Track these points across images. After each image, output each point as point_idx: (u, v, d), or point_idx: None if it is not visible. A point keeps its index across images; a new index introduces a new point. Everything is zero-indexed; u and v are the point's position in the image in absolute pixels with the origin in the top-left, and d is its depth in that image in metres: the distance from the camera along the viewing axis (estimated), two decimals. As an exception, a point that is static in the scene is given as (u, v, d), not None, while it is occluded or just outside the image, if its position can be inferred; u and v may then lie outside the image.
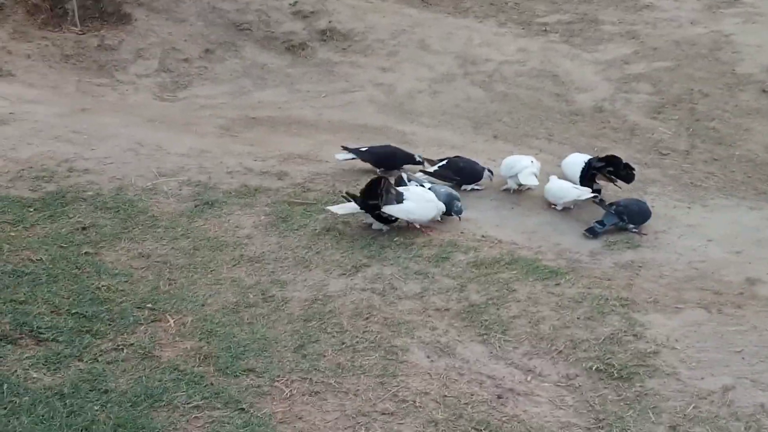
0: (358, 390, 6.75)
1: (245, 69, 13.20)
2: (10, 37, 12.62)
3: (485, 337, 7.38)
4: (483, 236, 8.67)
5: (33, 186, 9.22)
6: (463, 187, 9.57)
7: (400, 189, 8.77)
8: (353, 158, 9.66)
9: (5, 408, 6.39)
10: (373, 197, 8.36)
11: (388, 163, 9.83)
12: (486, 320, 7.58)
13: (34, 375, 6.89)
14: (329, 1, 14.11)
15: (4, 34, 12.74)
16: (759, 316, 7.67)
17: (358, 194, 8.63)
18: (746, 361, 7.16)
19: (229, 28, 13.83)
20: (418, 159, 9.71)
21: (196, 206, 9.07)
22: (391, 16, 14.18)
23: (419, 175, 9.28)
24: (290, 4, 13.83)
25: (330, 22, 13.91)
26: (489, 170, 9.60)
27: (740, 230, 9.14)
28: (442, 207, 8.80)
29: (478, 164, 9.64)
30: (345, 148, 9.67)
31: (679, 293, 7.98)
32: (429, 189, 8.91)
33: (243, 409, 6.56)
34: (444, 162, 9.59)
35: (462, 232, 8.70)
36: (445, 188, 9.07)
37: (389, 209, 8.47)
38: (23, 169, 9.50)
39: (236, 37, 13.73)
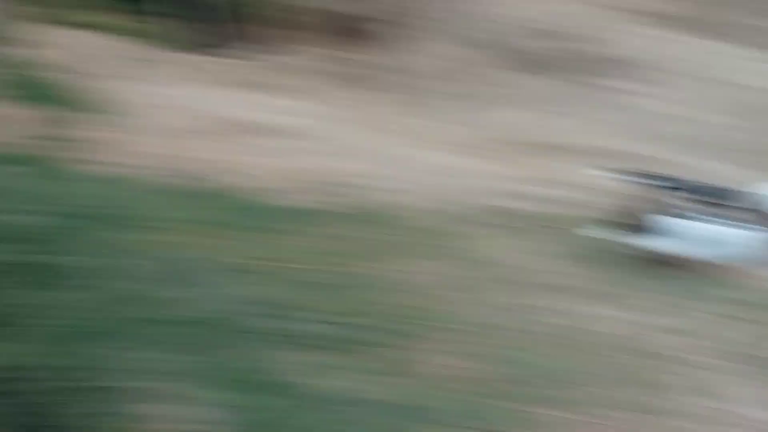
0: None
1: (530, 93, 13.58)
2: (304, 55, 13.25)
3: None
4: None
5: (321, 199, 9.83)
6: None
7: (671, 219, 8.67)
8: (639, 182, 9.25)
9: (287, 411, 6.75)
10: (631, 222, 8.31)
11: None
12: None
13: (311, 382, 7.20)
14: (612, 29, 14.40)
15: (300, 51, 13.37)
16: None
17: (616, 217, 8.66)
18: None
19: (511, 53, 14.37)
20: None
21: (469, 227, 9.35)
22: (682, 46, 14.50)
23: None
24: (570, 32, 14.23)
25: (612, 49, 14.18)
26: None
27: None
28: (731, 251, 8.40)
29: None
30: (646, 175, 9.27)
31: None
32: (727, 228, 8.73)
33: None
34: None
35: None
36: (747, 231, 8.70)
37: (649, 240, 8.40)
38: (315, 182, 10.17)
39: (519, 62, 14.19)
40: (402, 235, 9.08)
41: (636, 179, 9.44)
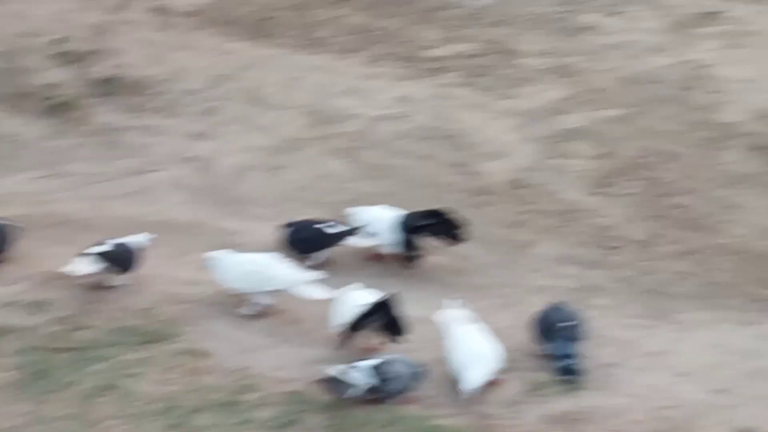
0: None
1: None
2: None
3: None
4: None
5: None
6: None
7: None
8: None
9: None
10: None
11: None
12: None
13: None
14: (113, 35, 13.50)
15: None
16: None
17: None
18: None
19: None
20: None
21: None
22: (206, 54, 13.54)
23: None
24: (51, 42, 13.10)
25: (115, 66, 13.29)
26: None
27: (725, 357, 9.26)
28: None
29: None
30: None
31: (641, 456, 7.49)
32: None
33: None
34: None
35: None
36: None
37: None
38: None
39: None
40: None
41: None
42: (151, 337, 9.29)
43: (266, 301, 9.58)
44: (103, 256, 9.67)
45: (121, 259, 9.74)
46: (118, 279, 9.65)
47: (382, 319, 9.14)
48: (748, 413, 8.55)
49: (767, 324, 9.88)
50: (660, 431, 8.51)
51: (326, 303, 9.33)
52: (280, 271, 9.61)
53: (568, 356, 8.91)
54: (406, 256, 10.32)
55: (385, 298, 9.17)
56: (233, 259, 9.63)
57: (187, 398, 8.74)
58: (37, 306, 9.66)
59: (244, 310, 9.57)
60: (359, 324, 9.08)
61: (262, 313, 9.59)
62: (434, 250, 10.28)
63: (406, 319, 9.07)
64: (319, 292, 9.42)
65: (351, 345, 8.96)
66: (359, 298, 9.29)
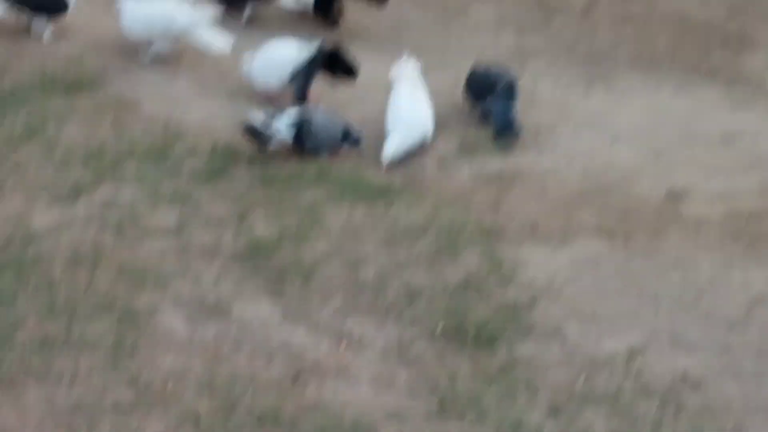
0: (77, 374, 6.48)
1: None
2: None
3: (277, 288, 7.30)
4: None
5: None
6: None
7: None
8: None
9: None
10: None
11: None
12: (279, 264, 7.48)
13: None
14: None
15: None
16: (683, 245, 7.80)
17: None
18: (663, 310, 7.21)
19: None
20: None
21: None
22: None
23: None
24: None
25: None
26: None
27: (661, 121, 9.27)
28: None
29: None
30: None
31: (570, 216, 8.09)
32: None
33: None
34: None
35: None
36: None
37: None
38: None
39: None
40: None
41: None
42: (78, 85, 9.13)
43: (168, 47, 9.51)
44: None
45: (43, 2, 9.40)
46: (40, 24, 9.55)
47: (330, 64, 9.07)
48: (681, 175, 8.61)
49: (705, 92, 9.95)
50: (590, 192, 8.47)
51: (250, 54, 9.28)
52: (180, 16, 9.44)
53: (504, 113, 8.93)
54: (328, 15, 10.10)
55: (327, 44, 9.06)
56: (136, 5, 9.35)
57: (113, 146, 8.66)
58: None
59: (143, 59, 9.42)
60: (306, 73, 9.05)
61: (162, 60, 9.57)
62: (364, 11, 10.19)
63: (354, 60, 9.00)
64: (221, 40, 9.35)
65: (287, 97, 8.99)
66: (290, 49, 9.21)
